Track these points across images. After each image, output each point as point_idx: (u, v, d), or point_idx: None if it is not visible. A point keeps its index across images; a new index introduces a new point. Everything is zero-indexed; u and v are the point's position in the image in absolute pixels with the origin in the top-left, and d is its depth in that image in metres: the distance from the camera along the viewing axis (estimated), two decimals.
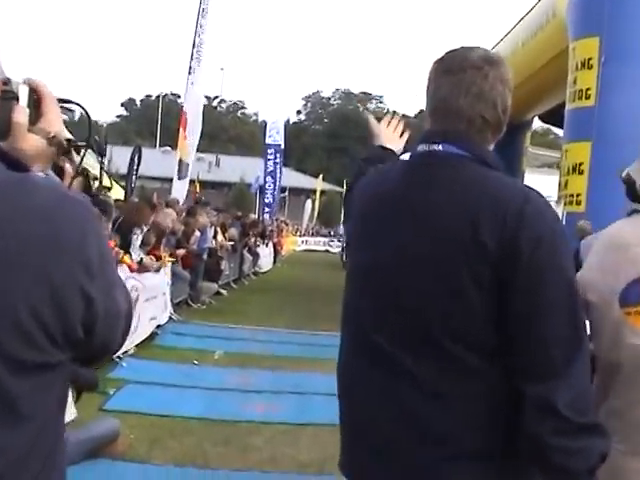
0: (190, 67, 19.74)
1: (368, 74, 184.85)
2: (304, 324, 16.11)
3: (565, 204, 16.26)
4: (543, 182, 33.01)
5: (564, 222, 16.18)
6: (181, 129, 19.61)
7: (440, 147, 2.58)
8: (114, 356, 10.64)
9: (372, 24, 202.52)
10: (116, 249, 11.01)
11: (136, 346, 11.85)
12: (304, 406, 9.32)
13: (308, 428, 8.39)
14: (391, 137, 3.63)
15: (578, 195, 16.01)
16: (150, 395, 9.28)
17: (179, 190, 19.49)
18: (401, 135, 3.67)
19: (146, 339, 12.55)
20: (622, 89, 15.71)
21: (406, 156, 2.95)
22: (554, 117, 25.15)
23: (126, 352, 11.20)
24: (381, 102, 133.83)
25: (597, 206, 15.39)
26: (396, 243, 2.55)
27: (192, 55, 19.71)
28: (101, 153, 2.52)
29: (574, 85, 16.42)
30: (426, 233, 2.46)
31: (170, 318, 14.89)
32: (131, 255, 12.05)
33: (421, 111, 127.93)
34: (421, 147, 2.65)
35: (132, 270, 11.37)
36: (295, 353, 12.94)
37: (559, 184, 17.12)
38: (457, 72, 2.59)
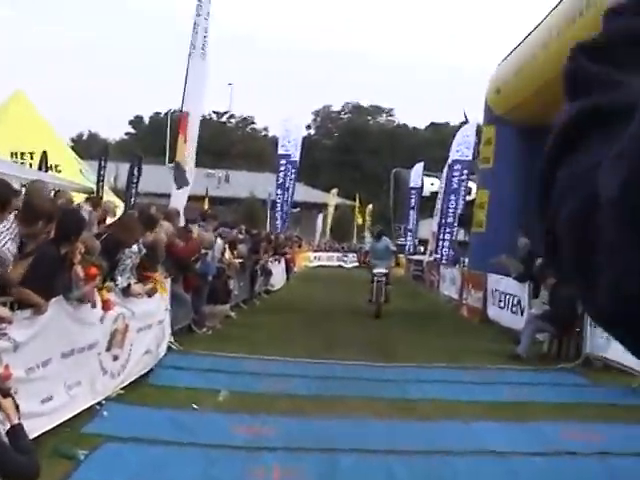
0: (190, 50, 17.43)
1: (377, 87, 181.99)
2: (322, 352, 14.16)
3: None
4: None
5: None
6: (180, 133, 17.42)
7: None
8: (93, 402, 8.67)
9: (380, 35, 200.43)
10: (98, 278, 8.82)
11: (123, 388, 9.84)
12: (334, 470, 7.17)
13: None
14: None
15: None
16: (134, 459, 7.21)
17: (178, 202, 17.27)
18: None
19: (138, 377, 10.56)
20: None
21: None
22: None
23: (109, 396, 9.19)
24: (391, 115, 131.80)
25: None
26: None
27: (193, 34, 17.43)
28: None
29: None
30: None
31: (169, 348, 12.86)
32: (116, 280, 9.99)
33: (431, 124, 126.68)
34: None
35: (106, 308, 9.10)
36: (315, 390, 10.93)
37: None
38: None
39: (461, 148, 32.86)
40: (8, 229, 7.00)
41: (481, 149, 26.48)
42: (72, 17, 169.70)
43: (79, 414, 8.21)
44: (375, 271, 22.39)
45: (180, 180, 17.14)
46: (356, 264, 61.73)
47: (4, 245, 6.90)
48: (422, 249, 51.84)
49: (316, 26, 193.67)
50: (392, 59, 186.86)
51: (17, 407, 4.72)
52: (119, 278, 10.05)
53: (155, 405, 9.37)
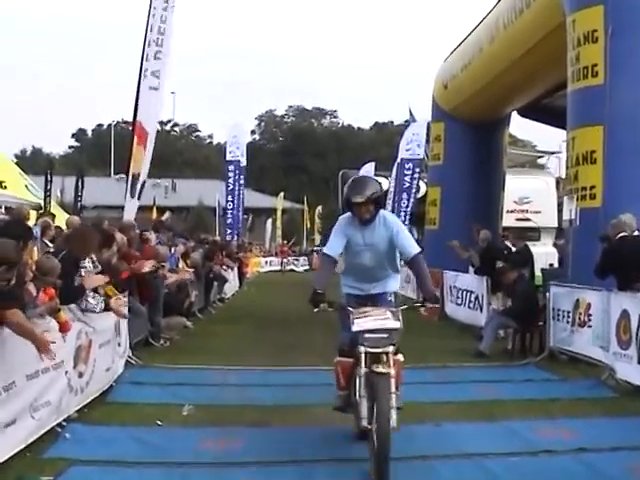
0: (143, 59, 16.61)
1: (320, 89, 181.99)
2: (284, 359, 14.02)
3: (578, 199, 14.11)
4: (518, 183, 31.10)
5: (578, 220, 14.10)
6: (136, 139, 16.62)
7: None
8: (54, 424, 8.33)
9: (319, 37, 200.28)
10: (56, 300, 8.39)
11: (85, 406, 9.51)
12: None
13: None
14: None
15: (592, 187, 13.88)
16: None
17: (131, 211, 16.63)
18: None
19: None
20: (636, 63, 13.71)
21: None
22: (536, 111, 23.25)
23: (70, 417, 8.85)
24: (335, 117, 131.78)
25: (615, 199, 13.53)
26: None
27: (146, 42, 16.61)
28: None
29: (577, 62, 14.33)
30: None
31: (127, 362, 12.53)
32: (82, 302, 9.66)
33: (376, 124, 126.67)
34: None
35: (64, 330, 8.61)
36: (280, 400, 10.68)
37: (567, 176, 15.01)
38: None
39: (412, 146, 32.63)
40: None
41: (431, 146, 26.40)
42: (9, 33, 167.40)
43: (40, 437, 7.87)
44: (359, 327, 7.48)
45: (134, 190, 16.61)
46: (307, 267, 61.88)
47: None
48: None
49: (255, 30, 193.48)
50: (332, 60, 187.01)
51: None
52: (89, 299, 9.76)
53: (118, 423, 9.04)
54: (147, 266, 12.91)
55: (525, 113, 23.92)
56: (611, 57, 13.70)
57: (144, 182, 16.81)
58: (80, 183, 19.17)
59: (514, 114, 24.24)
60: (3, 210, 16.89)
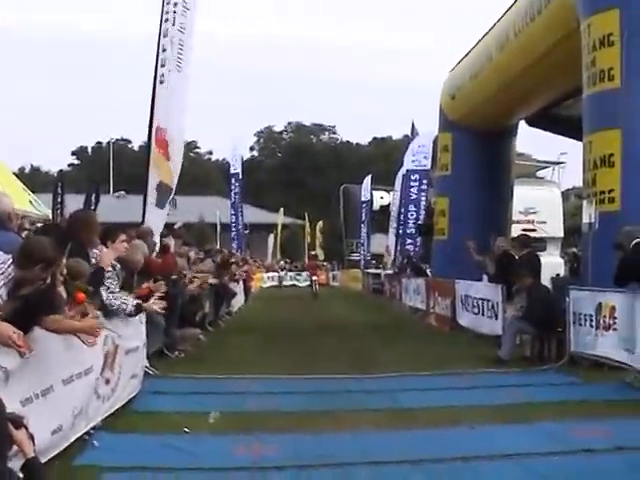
0: (158, 60, 16.40)
1: (318, 105, 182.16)
2: (302, 368, 13.79)
3: (597, 203, 14.02)
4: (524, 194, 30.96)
5: (597, 224, 14.00)
6: (160, 151, 16.36)
7: None
8: (82, 432, 8.16)
9: (317, 51, 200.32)
10: (85, 305, 8.15)
11: (110, 415, 9.35)
12: None
13: None
14: None
15: (610, 191, 13.84)
16: None
17: (154, 222, 16.34)
18: None
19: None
20: None
21: None
22: (544, 120, 23.16)
23: (95, 426, 8.68)
24: (334, 132, 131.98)
25: (634, 202, 13.56)
26: None
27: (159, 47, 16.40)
28: None
29: (593, 66, 14.29)
30: None
31: (145, 372, 12.36)
32: (114, 305, 9.63)
33: (374, 139, 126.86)
34: None
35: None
36: (305, 406, 10.53)
37: (584, 181, 14.87)
38: None
39: (417, 158, 32.71)
40: (2, 273, 6.50)
41: (438, 156, 26.29)
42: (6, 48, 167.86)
43: (68, 445, 7.71)
44: None
45: (162, 200, 16.41)
46: (309, 283, 61.81)
47: None
48: (374, 263, 51.47)
49: (252, 47, 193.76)
50: (330, 76, 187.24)
51: (32, 439, 4.30)
52: (118, 302, 9.68)
53: (145, 431, 8.89)
54: (161, 289, 12.76)
55: (533, 122, 23.81)
56: (627, 60, 13.68)
57: (171, 190, 16.72)
58: (95, 197, 18.84)
59: (521, 124, 24.17)
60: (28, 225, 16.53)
